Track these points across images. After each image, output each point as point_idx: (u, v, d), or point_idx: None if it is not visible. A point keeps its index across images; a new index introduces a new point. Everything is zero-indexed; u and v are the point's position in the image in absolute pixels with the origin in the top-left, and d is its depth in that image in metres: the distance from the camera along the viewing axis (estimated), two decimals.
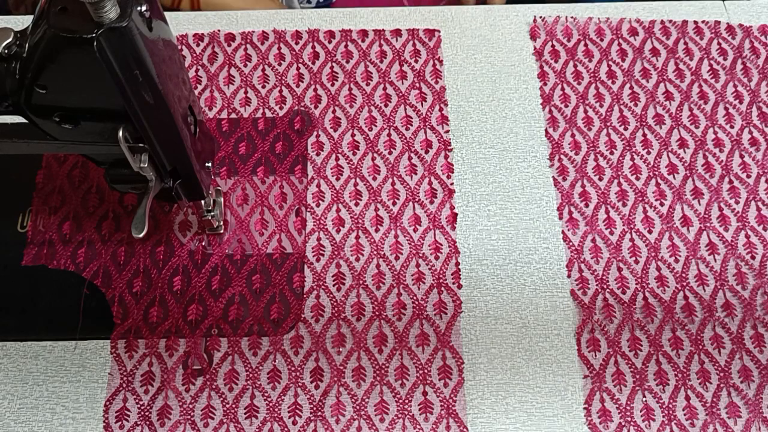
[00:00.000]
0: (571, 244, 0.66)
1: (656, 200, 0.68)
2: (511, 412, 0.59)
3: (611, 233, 0.66)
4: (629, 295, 0.64)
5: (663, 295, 0.64)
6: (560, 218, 0.67)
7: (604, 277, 0.64)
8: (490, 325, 0.62)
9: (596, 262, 0.65)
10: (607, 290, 0.64)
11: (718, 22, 0.77)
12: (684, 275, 0.65)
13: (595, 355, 0.61)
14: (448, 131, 0.71)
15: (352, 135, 0.71)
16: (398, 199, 0.68)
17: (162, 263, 0.64)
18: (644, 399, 0.60)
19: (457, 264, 0.65)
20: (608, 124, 0.71)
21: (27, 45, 0.44)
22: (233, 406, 0.59)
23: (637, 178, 0.69)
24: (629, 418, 0.59)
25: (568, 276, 0.64)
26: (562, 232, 0.66)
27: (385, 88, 0.74)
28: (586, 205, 0.68)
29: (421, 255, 0.65)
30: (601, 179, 0.69)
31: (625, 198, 0.68)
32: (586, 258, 0.65)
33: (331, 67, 0.75)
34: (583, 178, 0.69)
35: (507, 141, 0.71)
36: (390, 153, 0.70)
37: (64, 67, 0.43)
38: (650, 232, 0.66)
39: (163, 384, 0.59)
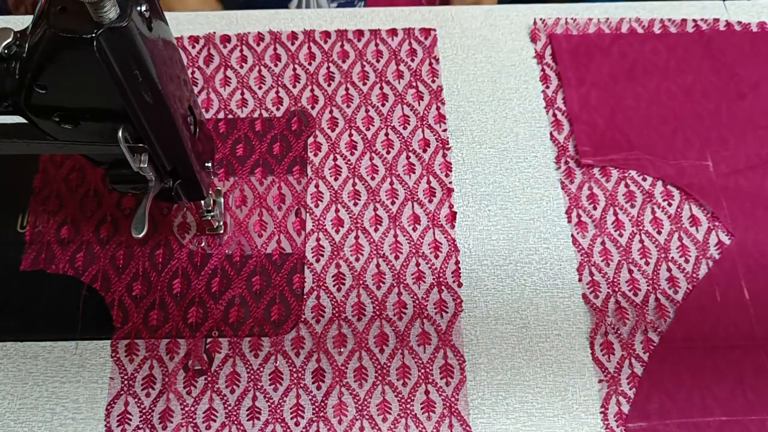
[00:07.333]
0: (580, 247, 0.66)
1: (664, 200, 0.68)
2: (512, 413, 0.59)
3: (620, 235, 0.66)
4: (641, 297, 0.63)
5: (675, 296, 0.64)
6: (569, 221, 0.67)
7: (615, 280, 0.64)
8: (490, 325, 0.62)
9: (606, 264, 0.65)
10: (619, 293, 0.64)
11: (717, 20, 0.77)
12: (695, 275, 0.65)
13: (609, 359, 0.61)
14: (445, 130, 0.71)
15: (350, 135, 0.71)
16: (397, 198, 0.68)
17: (161, 266, 0.64)
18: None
19: (457, 262, 0.65)
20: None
21: (27, 45, 0.44)
22: (235, 407, 0.58)
23: (644, 179, 0.69)
24: None
25: (579, 280, 0.64)
26: (572, 235, 0.66)
27: (381, 88, 0.74)
28: (594, 208, 0.68)
29: (420, 254, 0.65)
30: (608, 181, 0.69)
31: (633, 199, 0.68)
32: (597, 261, 0.65)
33: (328, 68, 0.74)
34: (591, 180, 0.69)
35: (507, 141, 0.71)
36: (388, 152, 0.70)
37: (64, 67, 0.43)
38: (659, 233, 0.66)
39: (165, 387, 0.59)
